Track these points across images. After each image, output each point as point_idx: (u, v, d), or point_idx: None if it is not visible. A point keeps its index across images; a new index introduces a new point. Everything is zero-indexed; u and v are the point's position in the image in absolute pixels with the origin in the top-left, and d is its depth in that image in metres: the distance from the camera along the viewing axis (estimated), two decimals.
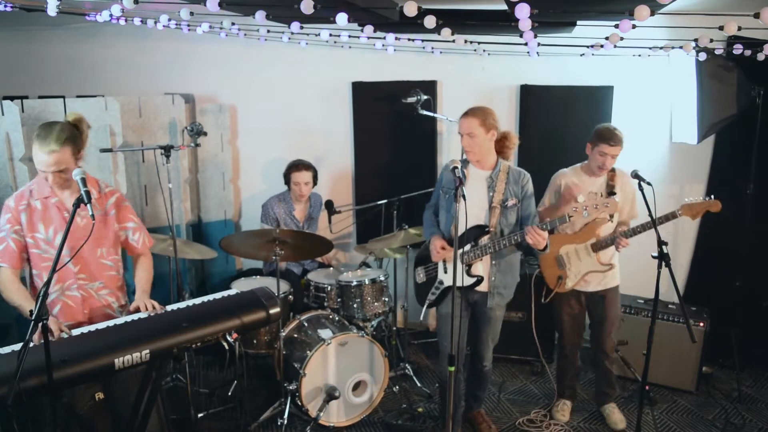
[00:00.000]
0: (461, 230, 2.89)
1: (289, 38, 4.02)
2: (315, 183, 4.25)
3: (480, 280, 3.00)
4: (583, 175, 3.36)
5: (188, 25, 3.65)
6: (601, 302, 3.40)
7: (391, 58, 4.48)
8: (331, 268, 4.26)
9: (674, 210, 3.13)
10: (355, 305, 3.78)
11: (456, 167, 2.57)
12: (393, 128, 4.62)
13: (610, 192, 3.26)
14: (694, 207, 3.11)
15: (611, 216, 3.25)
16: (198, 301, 2.57)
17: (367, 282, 3.77)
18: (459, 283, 3.00)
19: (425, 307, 3.17)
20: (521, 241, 2.89)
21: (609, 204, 2.74)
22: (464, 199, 2.43)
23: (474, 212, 2.90)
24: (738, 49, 3.37)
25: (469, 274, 2.99)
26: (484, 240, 2.95)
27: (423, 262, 3.26)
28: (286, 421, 3.36)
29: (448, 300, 3.06)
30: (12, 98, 3.53)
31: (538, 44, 3.55)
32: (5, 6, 3.09)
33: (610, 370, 3.51)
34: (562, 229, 3.40)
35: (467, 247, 2.98)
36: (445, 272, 3.11)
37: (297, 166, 4.15)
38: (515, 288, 3.17)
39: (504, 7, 2.58)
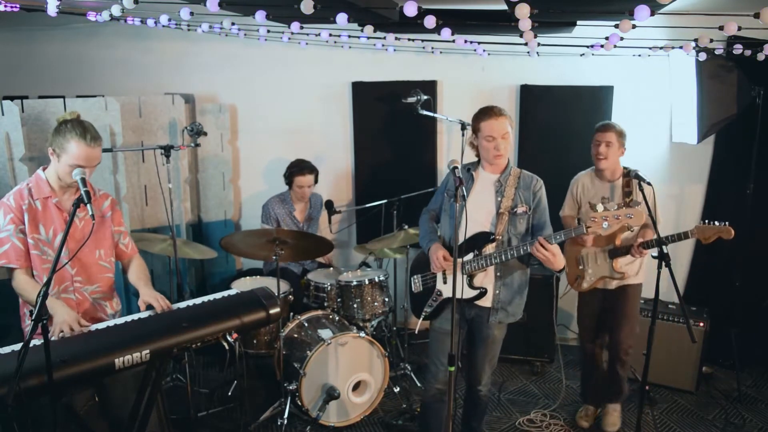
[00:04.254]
0: (463, 237, 2.69)
1: (289, 38, 4.02)
2: (315, 183, 4.25)
3: (483, 292, 2.74)
4: (596, 179, 3.29)
5: (188, 25, 3.65)
6: (620, 298, 3.30)
7: (391, 58, 4.49)
8: (331, 268, 4.26)
9: (687, 230, 3.05)
10: (355, 305, 3.77)
11: (456, 167, 2.43)
12: (393, 128, 4.62)
13: (628, 197, 3.13)
14: (707, 231, 3.02)
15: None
16: (198, 301, 2.57)
17: (367, 282, 3.77)
18: (459, 295, 2.71)
19: (421, 319, 2.93)
20: (528, 252, 2.61)
21: (633, 215, 2.45)
22: (464, 200, 2.30)
23: (479, 218, 2.72)
24: (738, 49, 3.37)
25: (471, 286, 2.75)
26: (489, 249, 2.71)
27: (420, 270, 3.00)
28: (286, 421, 3.36)
29: (444, 315, 2.87)
30: (12, 98, 3.53)
31: (538, 44, 3.55)
32: (5, 6, 3.08)
33: (618, 373, 3.38)
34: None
35: (470, 256, 2.74)
36: (445, 282, 2.86)
37: (302, 170, 4.12)
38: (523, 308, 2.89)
39: (504, 7, 2.58)
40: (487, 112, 2.73)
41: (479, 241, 2.72)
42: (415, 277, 3.03)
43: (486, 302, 2.78)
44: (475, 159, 2.92)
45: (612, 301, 3.35)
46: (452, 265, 2.70)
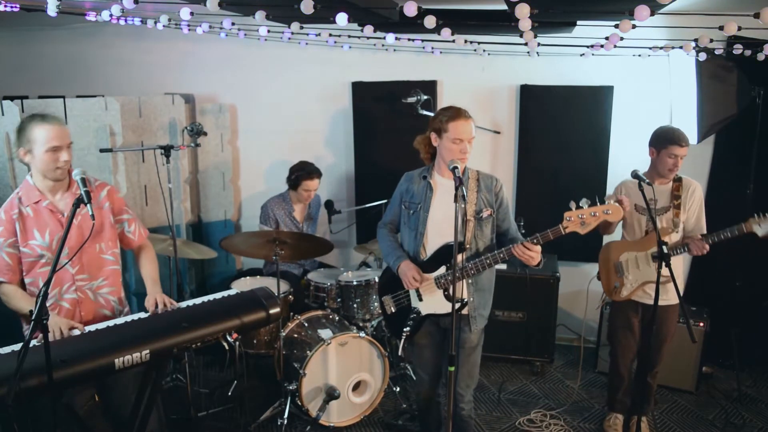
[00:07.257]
0: (433, 249, 2.63)
1: (289, 38, 4.02)
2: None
3: (465, 303, 2.62)
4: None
5: (188, 25, 3.65)
6: (663, 318, 3.15)
7: (391, 58, 4.49)
8: (332, 268, 4.26)
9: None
10: (355, 305, 3.77)
11: (456, 166, 2.34)
12: (393, 128, 4.62)
13: (677, 200, 3.06)
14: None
15: (675, 226, 3.07)
16: (198, 301, 2.57)
17: (367, 282, 3.77)
18: (438, 310, 2.69)
19: (403, 340, 2.76)
20: (507, 258, 2.53)
21: (611, 210, 2.38)
22: (464, 201, 2.22)
23: (445, 228, 2.56)
24: (738, 49, 3.37)
25: (448, 298, 2.61)
26: (459, 258, 2.53)
27: (390, 290, 2.85)
28: (286, 421, 3.36)
29: (422, 330, 2.78)
30: (12, 98, 3.53)
31: (538, 44, 3.55)
32: (5, 6, 3.09)
33: (651, 385, 3.34)
34: (629, 236, 3.22)
35: (442, 270, 2.63)
36: (420, 300, 2.74)
37: (310, 173, 4.08)
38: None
39: (504, 7, 2.58)
40: (457, 113, 2.59)
41: (449, 252, 2.56)
42: (386, 298, 2.87)
43: (463, 311, 2.67)
44: (427, 164, 2.78)
45: (650, 319, 3.11)
46: (426, 281, 2.67)
